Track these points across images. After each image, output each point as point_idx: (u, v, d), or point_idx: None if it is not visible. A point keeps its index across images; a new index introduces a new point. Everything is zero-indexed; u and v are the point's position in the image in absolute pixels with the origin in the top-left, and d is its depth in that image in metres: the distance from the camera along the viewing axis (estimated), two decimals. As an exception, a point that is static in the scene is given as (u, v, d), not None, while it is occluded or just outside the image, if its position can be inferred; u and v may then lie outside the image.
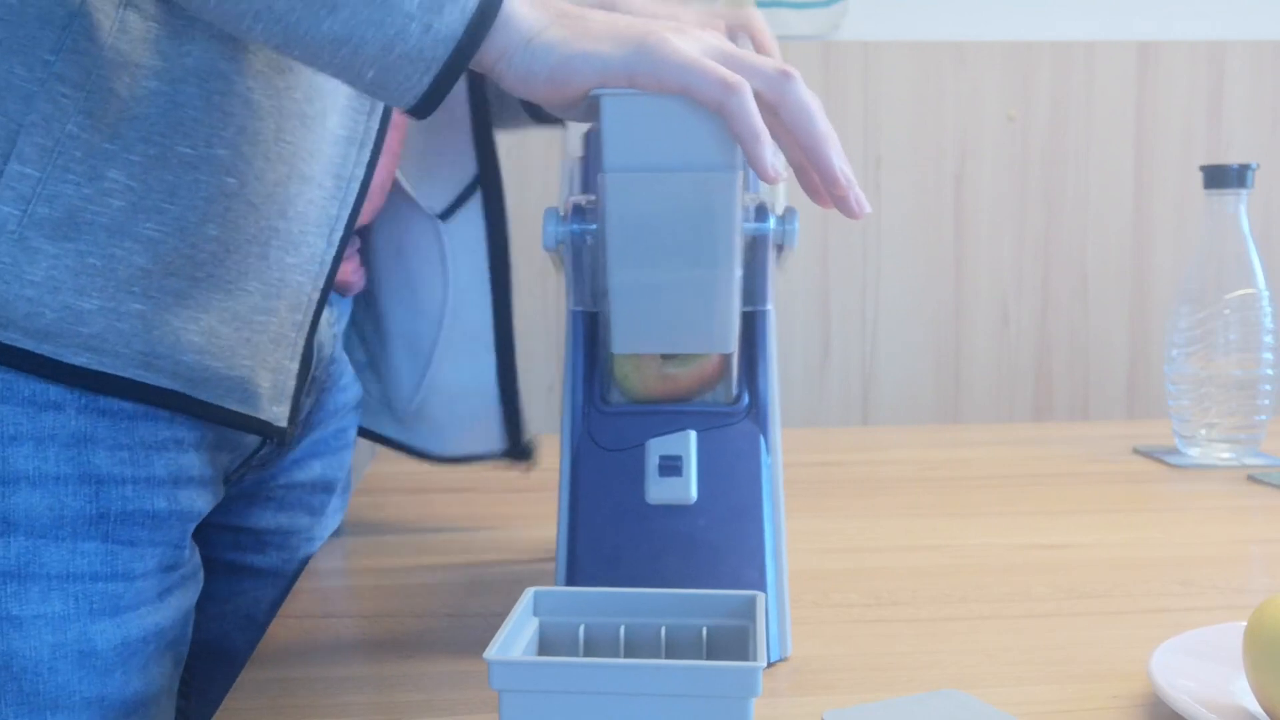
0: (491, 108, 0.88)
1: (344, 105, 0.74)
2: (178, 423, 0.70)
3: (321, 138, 0.72)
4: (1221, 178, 1.19)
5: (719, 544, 0.67)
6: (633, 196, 0.60)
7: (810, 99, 0.59)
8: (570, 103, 0.61)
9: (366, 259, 0.94)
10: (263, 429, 0.75)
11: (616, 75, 0.58)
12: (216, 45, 0.66)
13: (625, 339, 0.64)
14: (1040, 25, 1.57)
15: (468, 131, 0.88)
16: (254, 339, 0.72)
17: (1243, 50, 1.58)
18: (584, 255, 0.69)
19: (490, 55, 0.60)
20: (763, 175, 0.57)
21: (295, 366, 0.77)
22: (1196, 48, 1.58)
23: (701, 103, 0.57)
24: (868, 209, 0.60)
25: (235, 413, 0.72)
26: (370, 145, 0.76)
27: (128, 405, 0.68)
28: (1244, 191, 1.19)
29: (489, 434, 0.93)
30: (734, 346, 0.65)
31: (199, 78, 0.65)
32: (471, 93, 0.87)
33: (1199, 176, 1.21)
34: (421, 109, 0.61)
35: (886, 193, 1.57)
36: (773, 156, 0.57)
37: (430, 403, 0.95)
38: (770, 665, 0.66)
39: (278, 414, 0.76)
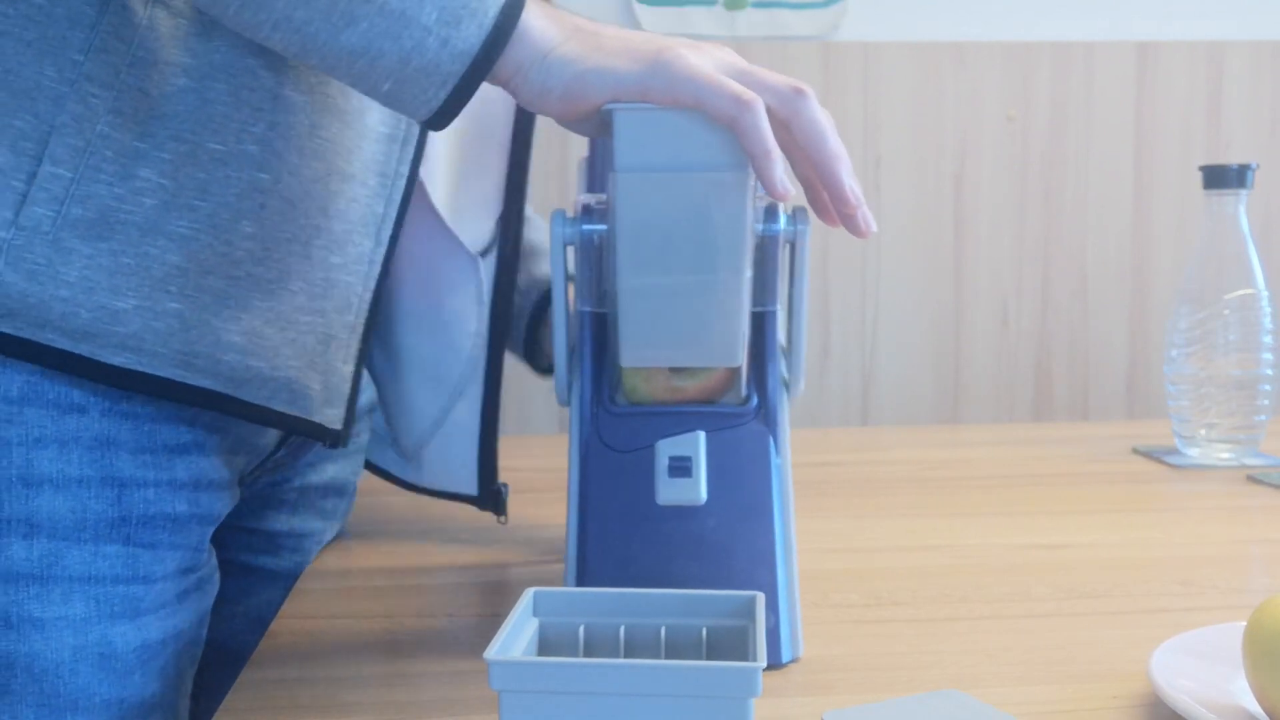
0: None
1: None
2: (199, 426, 0.70)
3: (361, 134, 0.72)
4: (1221, 178, 1.19)
5: (730, 545, 0.67)
6: (644, 197, 0.59)
7: (823, 116, 0.59)
8: (583, 117, 0.61)
9: (389, 290, 0.91)
10: (317, 432, 0.75)
11: (630, 90, 0.58)
12: (244, 40, 0.66)
13: (634, 352, 0.64)
14: (1040, 25, 1.57)
15: (504, 172, 0.86)
16: (300, 340, 0.71)
17: (1242, 50, 1.58)
18: (592, 255, 0.69)
19: (506, 70, 0.60)
20: (772, 192, 0.57)
21: (349, 369, 0.76)
22: (1196, 48, 1.58)
23: (714, 118, 0.57)
24: (874, 228, 0.60)
25: (285, 415, 0.72)
26: (413, 143, 0.75)
27: (150, 408, 0.68)
28: (1243, 192, 1.19)
29: (466, 473, 0.91)
30: (742, 359, 0.65)
31: (227, 73, 0.65)
32: (515, 134, 0.85)
33: (1198, 177, 1.21)
34: (437, 121, 0.61)
35: (886, 193, 1.57)
36: (783, 173, 0.57)
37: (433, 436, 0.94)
38: (783, 666, 0.66)
39: (332, 416, 0.76)
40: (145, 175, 0.64)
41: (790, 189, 0.58)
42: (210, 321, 0.67)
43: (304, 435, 0.75)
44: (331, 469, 0.91)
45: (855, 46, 1.54)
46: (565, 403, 0.71)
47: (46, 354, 0.63)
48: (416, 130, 0.75)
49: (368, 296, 0.75)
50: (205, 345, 0.67)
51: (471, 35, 0.58)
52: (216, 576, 0.77)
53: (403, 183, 0.75)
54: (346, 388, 0.76)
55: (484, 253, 0.87)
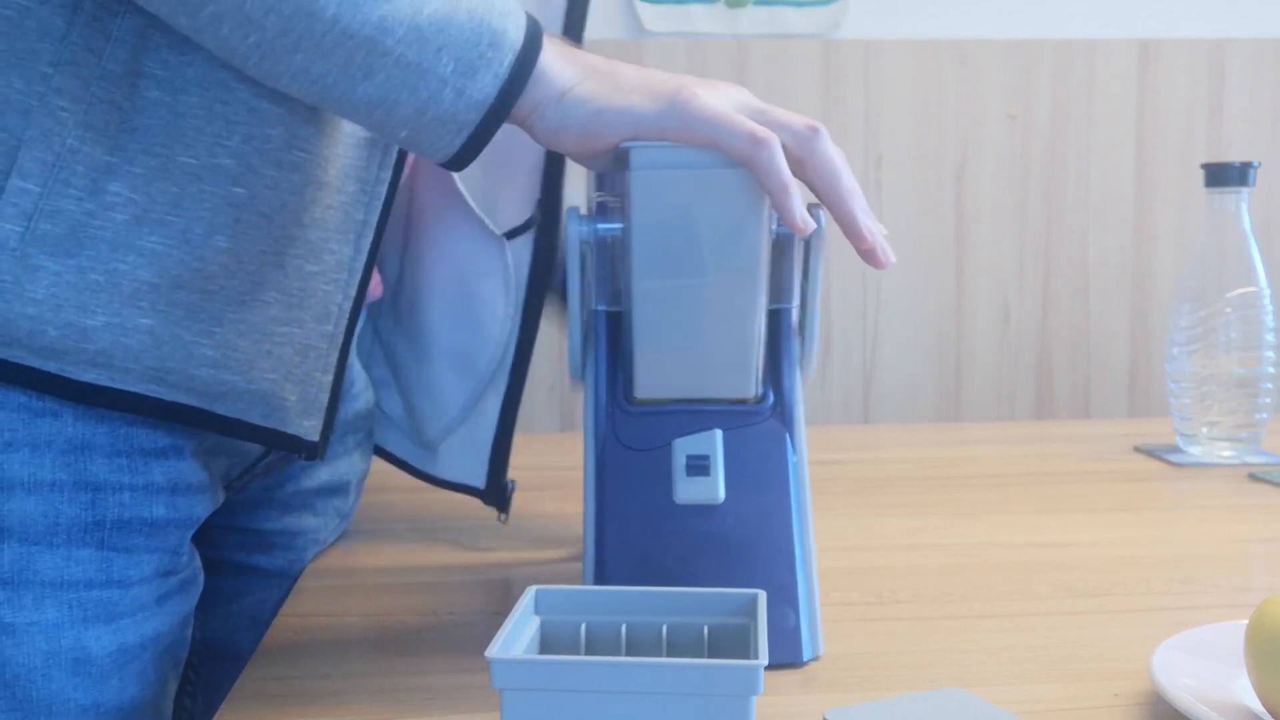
0: None
1: None
2: (177, 430, 0.69)
3: (339, 142, 0.71)
4: (1223, 176, 1.19)
5: (748, 543, 0.66)
6: (658, 194, 0.59)
7: (836, 154, 0.60)
8: (599, 154, 0.61)
9: (415, 277, 0.91)
10: (293, 444, 0.74)
11: (648, 129, 0.59)
12: None
13: (648, 384, 0.64)
14: (1041, 24, 1.57)
15: (540, 157, 0.85)
16: (276, 351, 0.70)
17: (1244, 49, 1.58)
18: (607, 255, 0.68)
19: (523, 110, 0.61)
20: (792, 226, 0.58)
21: (328, 379, 0.75)
22: (1198, 46, 1.58)
23: (731, 156, 0.58)
24: (893, 259, 0.61)
25: (261, 428, 0.71)
26: (395, 149, 0.74)
27: (128, 413, 0.67)
28: (1245, 190, 1.19)
29: (477, 466, 0.91)
30: (755, 390, 0.65)
31: (201, 86, 0.64)
32: None
33: (1200, 175, 1.21)
34: (455, 164, 0.62)
35: (887, 191, 1.56)
36: (802, 207, 0.58)
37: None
38: (804, 664, 0.66)
39: (309, 428, 0.75)
40: (116, 190, 0.63)
41: (811, 222, 0.59)
42: (182, 336, 0.66)
43: (279, 448, 0.74)
44: (325, 472, 0.90)
45: (856, 45, 1.54)
46: (579, 376, 0.70)
47: (14, 371, 0.62)
48: None
49: (347, 305, 0.74)
50: (177, 361, 0.66)
51: (488, 85, 0.59)
52: (200, 578, 0.76)
53: (384, 188, 0.74)
54: (325, 398, 0.75)
55: (513, 233, 0.86)
